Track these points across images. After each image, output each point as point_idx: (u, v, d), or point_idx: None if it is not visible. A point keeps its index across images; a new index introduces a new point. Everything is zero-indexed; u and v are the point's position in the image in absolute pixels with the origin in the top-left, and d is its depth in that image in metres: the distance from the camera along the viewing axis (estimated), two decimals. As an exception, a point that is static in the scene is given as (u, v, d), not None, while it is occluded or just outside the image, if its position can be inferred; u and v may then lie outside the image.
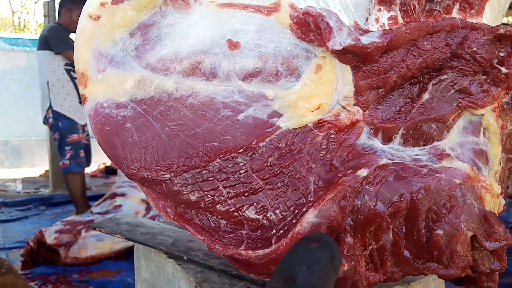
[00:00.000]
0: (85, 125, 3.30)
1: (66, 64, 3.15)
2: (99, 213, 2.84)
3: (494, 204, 0.47)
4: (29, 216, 3.67)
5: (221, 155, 0.46)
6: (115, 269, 2.53)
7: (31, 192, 4.60)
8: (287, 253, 0.34)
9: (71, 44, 3.14)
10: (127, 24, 0.49)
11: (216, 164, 0.46)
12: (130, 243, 2.59)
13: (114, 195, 2.96)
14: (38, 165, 5.66)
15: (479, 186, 0.46)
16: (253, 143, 0.46)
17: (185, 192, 0.46)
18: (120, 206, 2.87)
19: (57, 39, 3.08)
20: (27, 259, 2.56)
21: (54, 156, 4.28)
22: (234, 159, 0.46)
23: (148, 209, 2.88)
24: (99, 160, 5.33)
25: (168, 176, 0.46)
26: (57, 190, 4.42)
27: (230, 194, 0.46)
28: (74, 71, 3.19)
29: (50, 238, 2.55)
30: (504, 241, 0.46)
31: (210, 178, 0.46)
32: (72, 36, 3.22)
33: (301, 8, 0.45)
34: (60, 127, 3.15)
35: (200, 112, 0.47)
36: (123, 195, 2.96)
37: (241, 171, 0.46)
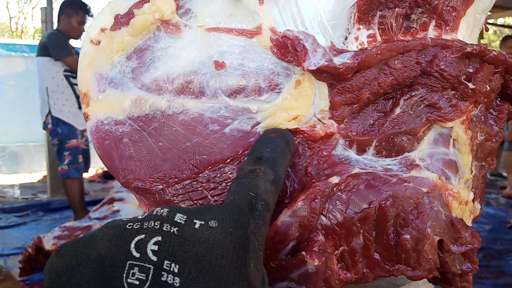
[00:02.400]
0: (84, 130, 3.40)
1: (65, 70, 3.27)
2: (97, 219, 2.91)
3: (462, 210, 0.53)
4: (27, 222, 3.78)
5: (210, 167, 0.53)
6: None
7: (29, 198, 4.72)
8: (256, 142, 0.51)
9: (70, 50, 3.25)
10: (124, 48, 0.56)
11: (205, 175, 0.53)
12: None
13: (112, 200, 3.04)
14: (36, 170, 5.80)
15: (446, 194, 0.52)
16: (239, 153, 0.54)
17: (176, 201, 0.54)
18: (118, 211, 2.94)
19: (56, 46, 3.18)
20: (25, 265, 2.64)
21: (52, 162, 4.39)
22: (222, 169, 0.54)
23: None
24: (97, 165, 5.44)
25: (160, 187, 0.54)
26: (55, 195, 4.53)
27: (218, 201, 0.54)
28: (73, 77, 3.30)
29: (48, 244, 2.63)
30: (470, 245, 0.52)
31: (199, 188, 0.54)
32: (71, 42, 3.32)
33: (280, 32, 0.53)
34: (59, 133, 3.26)
35: (191, 128, 0.54)
36: (121, 200, 3.04)
37: (228, 180, 0.54)
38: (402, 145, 0.54)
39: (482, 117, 0.56)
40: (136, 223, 0.37)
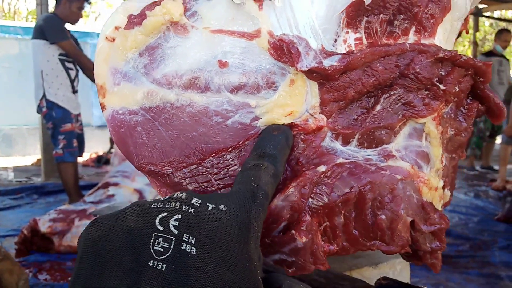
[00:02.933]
0: (79, 114, 3.44)
1: (60, 54, 3.29)
2: (92, 202, 2.98)
3: (432, 195, 0.62)
4: (22, 204, 3.84)
5: (214, 154, 0.61)
6: (109, 257, 2.68)
7: (23, 181, 4.76)
8: (258, 139, 0.59)
9: (66, 34, 3.27)
10: (137, 46, 0.63)
11: (209, 161, 0.61)
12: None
13: (107, 185, 3.10)
14: (30, 153, 5.82)
15: (418, 181, 0.61)
16: (239, 143, 0.61)
17: (184, 184, 0.61)
18: (113, 195, 3.01)
19: (52, 29, 3.20)
20: (21, 247, 2.71)
21: (46, 145, 4.43)
22: (224, 156, 0.61)
23: (141, 198, 3.01)
24: (91, 149, 5.48)
25: (170, 170, 0.61)
26: (49, 179, 4.58)
27: (220, 185, 0.62)
28: (68, 61, 3.33)
29: (44, 226, 2.70)
30: (438, 225, 0.61)
31: (204, 173, 0.61)
32: (67, 26, 3.34)
33: (277, 35, 0.60)
34: (54, 117, 3.30)
35: (197, 119, 0.61)
36: (116, 184, 3.10)
37: (230, 166, 0.62)
38: (381, 138, 0.62)
39: (452, 114, 0.64)
40: (160, 204, 0.45)
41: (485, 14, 8.49)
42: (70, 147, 3.36)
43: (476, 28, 8.33)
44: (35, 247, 2.74)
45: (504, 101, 5.66)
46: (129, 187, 3.07)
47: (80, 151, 3.66)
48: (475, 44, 7.60)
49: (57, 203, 3.72)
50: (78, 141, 3.48)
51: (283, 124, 0.60)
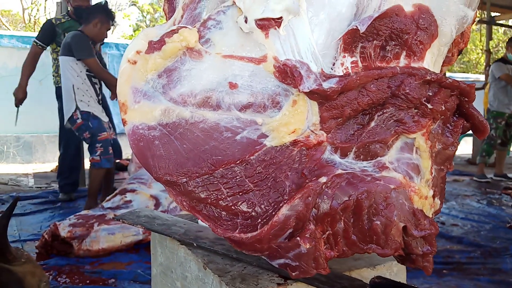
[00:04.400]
0: (109, 122, 3.62)
1: (87, 70, 3.47)
2: (110, 208, 3.05)
3: (422, 203, 0.67)
4: (42, 210, 3.93)
5: (223, 165, 0.67)
6: (125, 261, 2.75)
7: (43, 187, 4.89)
8: None
9: (92, 52, 3.44)
10: (156, 68, 0.70)
11: (219, 172, 0.67)
12: (140, 238, 2.81)
13: (124, 191, 3.17)
14: (49, 160, 5.96)
15: (409, 190, 0.66)
16: (247, 157, 0.67)
17: (196, 192, 0.67)
18: (130, 201, 3.08)
19: (79, 47, 3.37)
20: (42, 251, 2.77)
21: (65, 153, 4.56)
22: (233, 168, 0.67)
23: (157, 204, 3.07)
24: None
25: (185, 180, 0.67)
26: (68, 185, 4.70)
27: (229, 193, 0.67)
28: (94, 77, 3.50)
29: (64, 231, 2.77)
30: (428, 230, 0.66)
31: (215, 182, 0.67)
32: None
33: (281, 60, 0.66)
34: (90, 127, 3.46)
35: (209, 134, 0.67)
36: (133, 191, 3.16)
37: (238, 177, 0.67)
38: (375, 151, 0.66)
39: (440, 130, 0.68)
40: None
41: (498, 22, 8.43)
42: (107, 154, 3.47)
43: (490, 37, 8.27)
44: (55, 251, 2.80)
45: None
46: (145, 193, 3.14)
47: (118, 155, 3.82)
48: (488, 52, 7.54)
49: (76, 209, 3.82)
50: (113, 146, 3.63)
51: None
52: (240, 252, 0.80)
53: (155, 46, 0.70)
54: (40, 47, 3.88)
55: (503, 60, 5.95)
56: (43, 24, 4.02)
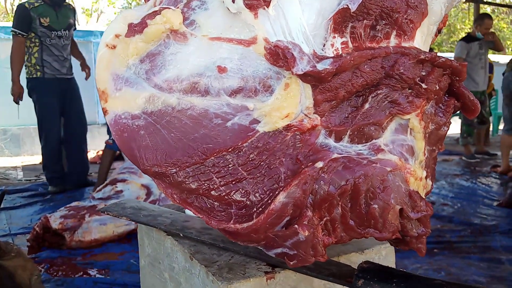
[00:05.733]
0: None
1: None
2: (101, 199, 3.01)
3: (418, 185, 0.65)
4: (32, 203, 3.86)
5: (215, 154, 0.62)
6: (118, 251, 2.72)
7: (32, 180, 4.81)
8: None
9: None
10: (138, 53, 0.64)
11: (211, 160, 0.62)
12: (132, 227, 2.78)
13: (115, 181, 3.13)
14: (38, 152, 5.82)
15: (405, 172, 0.63)
16: (239, 144, 0.62)
17: (187, 182, 0.61)
18: (121, 191, 3.04)
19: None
20: (33, 243, 2.72)
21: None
22: (225, 156, 0.63)
23: (149, 194, 3.04)
24: (98, 147, 5.54)
25: (174, 170, 0.61)
26: (57, 177, 4.63)
27: (221, 182, 0.62)
28: None
29: (55, 223, 2.73)
30: (424, 212, 0.64)
31: (206, 171, 0.61)
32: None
33: (272, 42, 0.61)
34: None
35: (198, 121, 0.62)
36: (124, 181, 3.13)
37: (230, 165, 0.62)
38: (370, 134, 0.63)
39: (433, 111, 0.65)
40: None
41: (485, 0, 8.42)
42: None
43: (477, 15, 8.25)
44: (47, 243, 2.75)
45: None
46: (136, 183, 3.10)
47: None
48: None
49: (65, 200, 3.78)
50: None
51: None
52: (227, 241, 0.76)
53: (136, 28, 0.65)
54: (21, 36, 3.67)
55: (469, 38, 5.86)
56: (16, 10, 3.76)
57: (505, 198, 3.77)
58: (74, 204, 2.93)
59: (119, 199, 2.73)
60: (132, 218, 0.95)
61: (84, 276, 2.37)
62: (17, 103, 3.81)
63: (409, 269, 2.71)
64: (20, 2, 3.73)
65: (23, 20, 3.69)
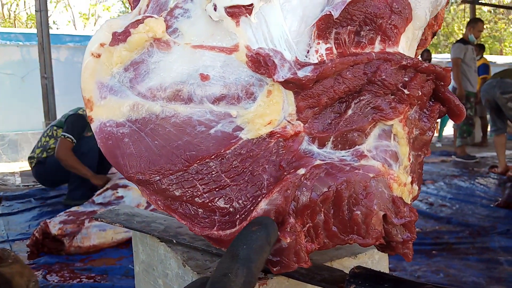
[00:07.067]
0: None
1: None
2: (101, 204, 3.00)
3: (402, 191, 0.65)
4: (30, 208, 3.87)
5: (198, 161, 0.63)
6: (116, 256, 2.72)
7: (30, 185, 4.82)
8: (236, 236, 0.51)
9: None
10: (122, 61, 0.65)
11: (194, 167, 0.63)
12: (131, 234, 2.80)
13: (116, 186, 3.12)
14: (36, 158, 5.90)
15: (388, 178, 0.63)
16: (222, 151, 0.62)
17: (171, 189, 0.62)
18: (122, 197, 3.03)
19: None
20: (33, 249, 2.75)
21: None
22: (208, 163, 0.64)
23: (149, 201, 3.04)
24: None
25: (158, 177, 0.62)
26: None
27: (205, 189, 0.62)
28: None
29: (54, 228, 2.73)
30: (408, 218, 0.64)
31: (190, 178, 0.62)
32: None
33: (254, 49, 0.62)
34: None
35: (181, 129, 0.63)
36: (125, 186, 3.11)
37: (213, 172, 0.63)
38: (353, 140, 0.63)
39: (417, 116, 0.65)
40: None
41: (481, 1, 8.43)
42: None
43: (474, 16, 8.27)
44: (45, 249, 2.75)
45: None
46: (137, 189, 3.13)
47: None
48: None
49: (64, 206, 3.78)
50: None
51: (266, 218, 0.55)
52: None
53: (119, 37, 0.66)
54: (70, 141, 3.65)
55: (464, 41, 5.89)
56: (72, 118, 3.80)
57: (503, 199, 3.77)
58: (74, 209, 2.93)
59: (120, 205, 2.73)
60: (126, 224, 0.95)
61: (82, 282, 2.36)
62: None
63: (408, 271, 2.70)
64: (76, 112, 3.68)
65: (79, 130, 3.70)
